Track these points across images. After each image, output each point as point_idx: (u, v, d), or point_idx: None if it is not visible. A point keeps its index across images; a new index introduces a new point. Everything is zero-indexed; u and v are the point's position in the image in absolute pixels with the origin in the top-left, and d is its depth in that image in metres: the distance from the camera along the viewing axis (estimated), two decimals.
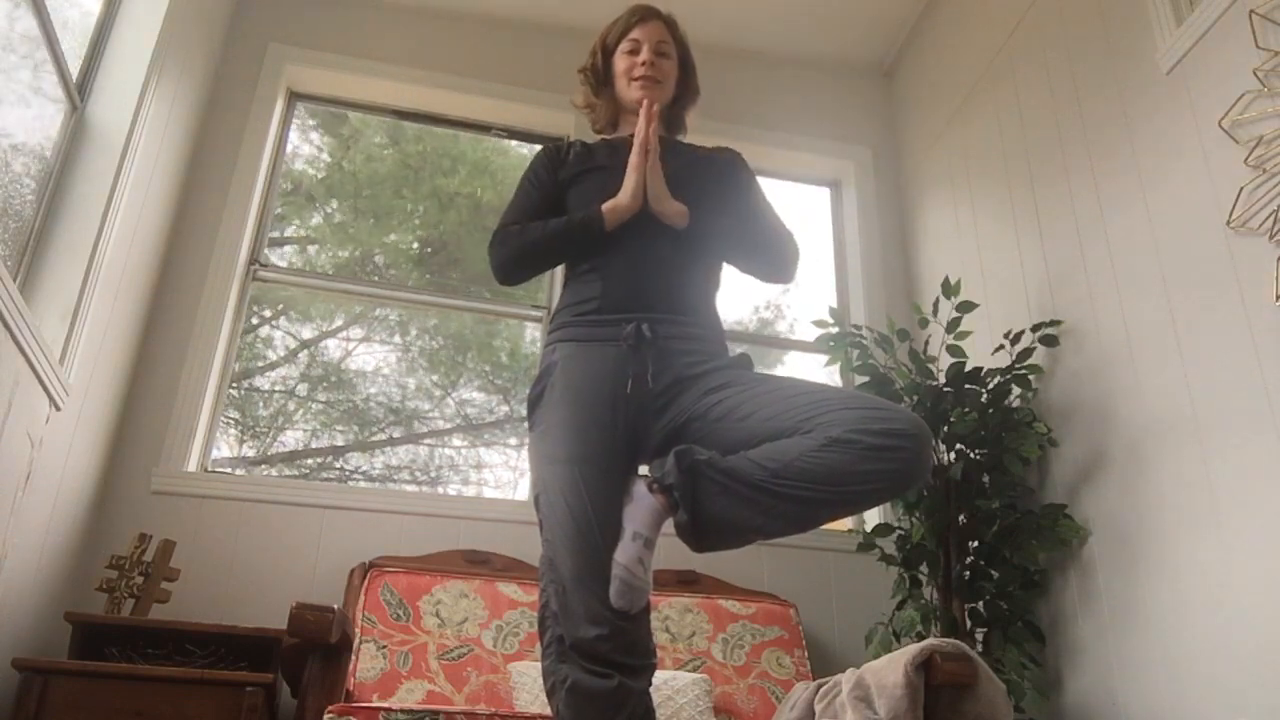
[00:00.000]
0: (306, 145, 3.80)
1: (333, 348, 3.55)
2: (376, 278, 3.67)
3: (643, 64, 1.96)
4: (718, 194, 1.93)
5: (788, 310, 3.96)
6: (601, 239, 1.80)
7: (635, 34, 2.00)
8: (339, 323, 3.58)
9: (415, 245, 3.74)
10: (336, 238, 3.68)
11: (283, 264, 3.51)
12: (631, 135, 1.97)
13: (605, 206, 1.81)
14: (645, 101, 1.85)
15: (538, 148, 3.89)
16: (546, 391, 1.73)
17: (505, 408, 3.57)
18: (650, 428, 1.69)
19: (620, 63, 2.00)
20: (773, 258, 1.90)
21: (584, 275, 1.83)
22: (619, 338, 1.72)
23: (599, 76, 2.04)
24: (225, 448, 3.26)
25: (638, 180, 1.81)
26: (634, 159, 1.82)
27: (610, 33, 2.04)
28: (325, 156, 3.82)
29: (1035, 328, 2.86)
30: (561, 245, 1.83)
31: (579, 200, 1.88)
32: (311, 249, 3.67)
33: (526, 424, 1.79)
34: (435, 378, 3.55)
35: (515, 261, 1.86)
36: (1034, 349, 2.86)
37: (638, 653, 1.54)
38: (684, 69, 2.06)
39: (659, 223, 1.82)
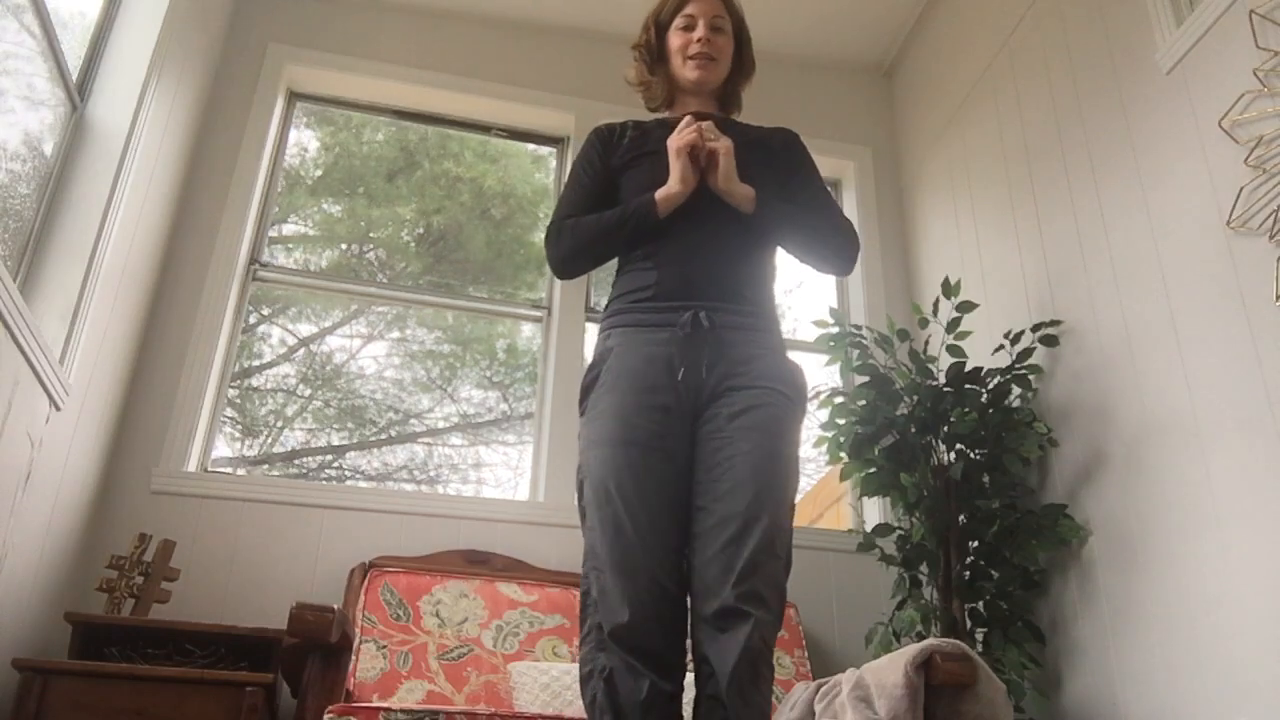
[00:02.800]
0: (300, 133, 3.80)
1: (332, 346, 3.55)
2: (374, 273, 3.66)
3: (698, 41, 1.90)
4: (777, 177, 1.89)
5: (788, 309, 3.96)
6: (656, 228, 1.77)
7: (689, 9, 1.93)
8: (338, 317, 3.57)
9: (411, 242, 3.73)
10: (333, 228, 3.68)
11: (281, 257, 3.51)
12: (688, 114, 1.92)
13: (658, 195, 1.77)
14: (688, 118, 1.81)
15: (535, 148, 3.93)
16: (600, 377, 1.72)
17: (504, 405, 3.57)
18: (702, 415, 1.68)
19: (674, 40, 1.94)
20: (835, 248, 1.85)
21: (639, 262, 1.80)
22: (675, 324, 1.70)
23: (653, 53, 1.98)
24: (225, 448, 3.26)
25: (684, 165, 1.77)
26: (676, 143, 1.77)
27: (663, 8, 1.97)
28: (316, 145, 3.82)
29: (1035, 328, 2.86)
30: (617, 237, 1.80)
31: (632, 187, 1.84)
32: (309, 242, 3.67)
33: (579, 410, 1.77)
34: (434, 375, 3.55)
35: (572, 256, 1.84)
36: (1034, 349, 2.86)
37: (672, 646, 1.55)
38: (739, 42, 1.99)
39: (716, 207, 1.78)
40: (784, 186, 1.89)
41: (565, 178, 3.72)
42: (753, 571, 1.53)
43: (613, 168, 1.90)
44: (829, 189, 1.97)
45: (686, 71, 1.93)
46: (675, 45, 1.94)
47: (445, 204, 3.77)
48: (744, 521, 1.56)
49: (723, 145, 1.79)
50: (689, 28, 1.93)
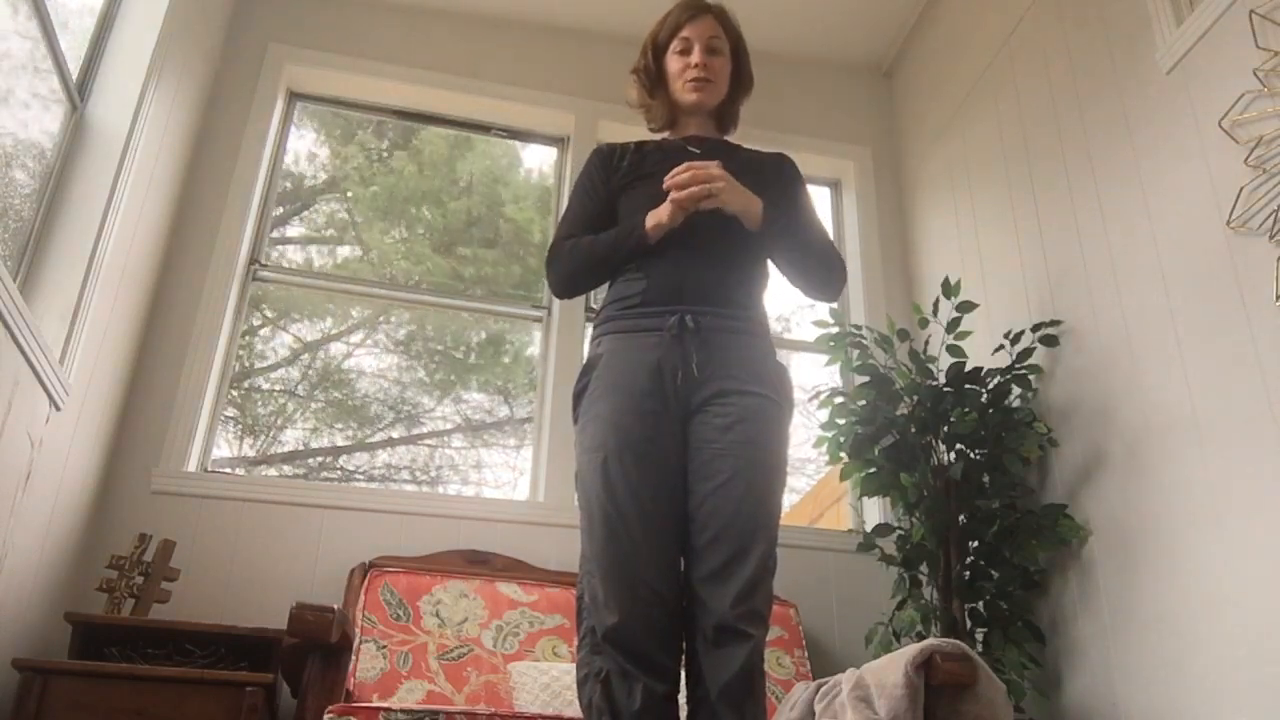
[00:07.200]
0: (309, 143, 3.80)
1: (334, 347, 3.55)
2: (378, 276, 3.66)
3: (695, 65, 1.92)
4: (771, 200, 1.89)
5: (787, 309, 3.96)
6: (647, 248, 1.79)
7: (686, 32, 1.95)
8: (344, 327, 3.57)
9: (425, 245, 3.74)
10: (347, 239, 3.68)
11: (292, 262, 3.51)
12: (686, 137, 1.96)
13: (649, 222, 1.77)
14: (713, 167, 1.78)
15: (536, 147, 3.93)
16: (591, 384, 1.74)
17: (505, 408, 3.57)
18: (692, 419, 1.69)
19: (672, 63, 1.96)
20: (825, 273, 1.88)
21: (630, 271, 1.82)
22: (662, 328, 1.71)
23: (651, 77, 1.99)
24: (225, 448, 3.26)
25: (677, 213, 1.76)
26: (677, 198, 1.75)
27: (660, 31, 1.99)
28: (326, 156, 3.82)
29: (1035, 328, 2.86)
30: (611, 259, 1.82)
31: (628, 210, 1.86)
32: (316, 248, 3.67)
33: (572, 417, 1.79)
34: (437, 377, 3.55)
35: (570, 278, 1.87)
36: (1034, 349, 2.86)
37: (665, 649, 1.56)
38: (736, 60, 2.01)
39: (708, 218, 1.78)
40: (780, 210, 1.90)
41: (566, 176, 3.73)
42: (752, 592, 1.56)
43: (611, 190, 1.91)
44: (820, 214, 2.00)
45: (685, 94, 1.95)
46: (673, 69, 1.96)
47: (452, 226, 3.75)
48: (741, 540, 1.58)
49: (718, 199, 1.75)
50: (686, 51, 1.95)
